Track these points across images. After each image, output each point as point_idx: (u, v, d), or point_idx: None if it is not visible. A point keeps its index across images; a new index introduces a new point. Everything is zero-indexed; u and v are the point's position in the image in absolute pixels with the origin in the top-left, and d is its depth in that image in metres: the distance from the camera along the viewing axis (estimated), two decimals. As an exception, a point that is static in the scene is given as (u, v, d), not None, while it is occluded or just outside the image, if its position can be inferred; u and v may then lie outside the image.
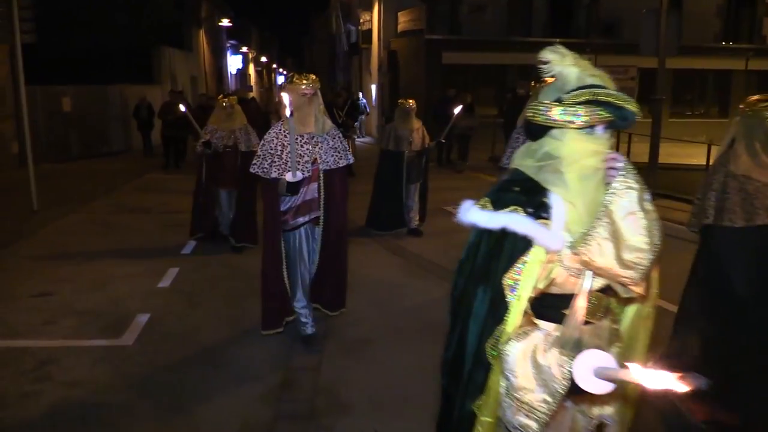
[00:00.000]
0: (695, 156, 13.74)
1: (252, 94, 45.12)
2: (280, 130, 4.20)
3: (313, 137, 4.22)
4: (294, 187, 4.10)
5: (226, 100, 7.02)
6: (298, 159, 4.10)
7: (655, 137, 9.81)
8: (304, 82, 4.10)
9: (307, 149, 4.19)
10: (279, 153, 4.15)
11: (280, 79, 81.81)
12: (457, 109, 7.83)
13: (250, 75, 52.49)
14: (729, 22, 24.17)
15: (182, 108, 7.47)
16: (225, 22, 32.40)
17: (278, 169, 4.14)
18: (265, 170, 4.20)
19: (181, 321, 5.07)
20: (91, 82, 17.57)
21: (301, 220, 4.34)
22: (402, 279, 6.27)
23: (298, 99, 4.06)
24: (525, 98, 13.04)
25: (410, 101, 7.89)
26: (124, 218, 9.15)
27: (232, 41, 41.46)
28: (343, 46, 31.98)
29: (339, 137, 4.42)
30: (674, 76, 22.09)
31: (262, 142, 4.28)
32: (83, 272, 6.34)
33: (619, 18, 22.44)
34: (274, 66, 73.07)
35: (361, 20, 26.65)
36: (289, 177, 4.06)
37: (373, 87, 25.99)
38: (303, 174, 4.13)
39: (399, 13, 23.07)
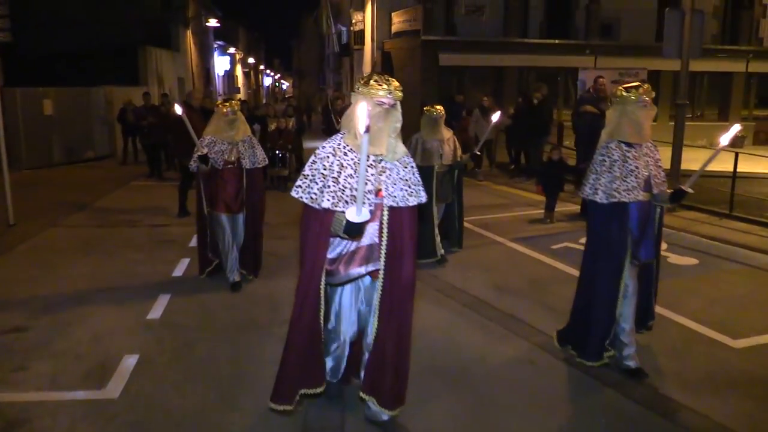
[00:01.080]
0: (694, 161, 13.21)
1: (239, 96, 44.51)
2: (340, 144, 3.24)
3: (381, 161, 3.26)
4: (357, 228, 3.02)
5: (227, 105, 5.78)
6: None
7: (677, 143, 9.25)
8: (384, 87, 3.17)
9: (371, 176, 3.23)
10: (336, 176, 3.17)
11: (267, 81, 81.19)
12: (496, 116, 7.06)
13: (237, 76, 51.64)
14: (726, 24, 23.81)
15: (178, 110, 6.12)
16: (213, 22, 31.57)
17: (333, 198, 3.14)
18: (313, 197, 3.16)
19: (175, 365, 4.39)
20: (73, 83, 16.77)
21: (355, 271, 3.34)
22: (441, 323, 5.42)
23: (372, 110, 3.10)
24: (545, 103, 12.50)
25: (438, 107, 6.85)
26: (109, 233, 8.43)
27: (219, 42, 40.63)
28: (333, 47, 31.25)
29: (412, 167, 3.42)
30: (672, 79, 21.70)
31: (313, 158, 3.25)
32: (63, 300, 5.64)
33: (618, 19, 22.01)
34: (262, 67, 72.23)
35: (354, 21, 26.02)
36: (351, 213, 2.97)
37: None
38: (370, 209, 3.14)
39: (393, 14, 22.46)
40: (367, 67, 25.14)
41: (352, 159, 3.21)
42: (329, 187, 3.15)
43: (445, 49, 19.88)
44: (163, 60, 23.47)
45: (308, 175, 3.21)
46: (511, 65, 20.65)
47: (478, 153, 7.40)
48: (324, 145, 3.28)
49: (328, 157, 3.21)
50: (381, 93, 3.16)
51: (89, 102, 16.83)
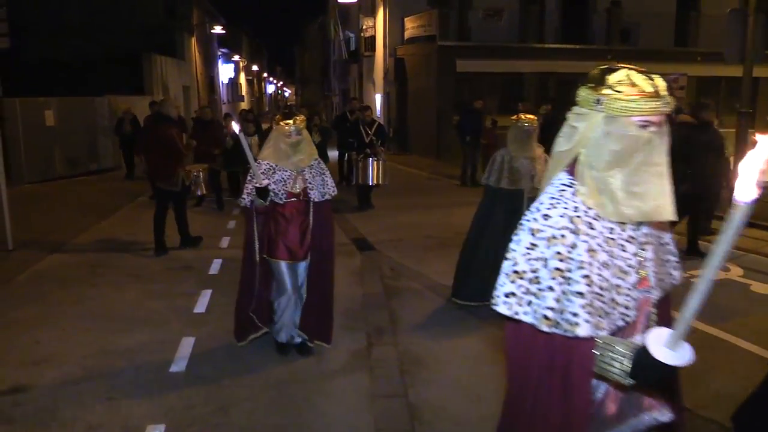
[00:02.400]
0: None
1: (243, 105, 43.83)
2: (578, 208, 1.73)
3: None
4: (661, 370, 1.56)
5: (290, 122, 4.28)
6: None
7: (740, 154, 8.46)
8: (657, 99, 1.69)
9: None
10: (588, 271, 1.67)
11: (270, 88, 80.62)
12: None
13: (241, 84, 51.01)
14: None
15: (235, 127, 4.53)
16: (217, 29, 30.89)
17: (590, 313, 1.64)
18: (548, 315, 1.66)
19: (209, 437, 3.59)
20: (76, 93, 16.02)
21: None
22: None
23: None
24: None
25: (529, 117, 5.56)
26: (117, 259, 7.62)
27: (223, 49, 40.00)
28: (342, 54, 30.54)
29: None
30: (696, 85, 20.96)
31: (526, 235, 1.73)
32: (70, 349, 4.84)
33: (636, 23, 21.26)
34: (265, 75, 71.66)
35: (364, 26, 25.31)
36: (659, 344, 1.52)
37: (378, 97, 24.61)
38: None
39: (406, 19, 21.76)
40: (378, 74, 24.43)
41: (602, 233, 1.71)
42: (581, 294, 1.63)
43: (461, 55, 19.13)
44: (168, 68, 22.75)
45: (523, 272, 1.70)
46: (530, 71, 19.89)
47: None
48: (543, 207, 1.73)
49: (563, 234, 1.67)
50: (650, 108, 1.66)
51: (93, 112, 16.08)
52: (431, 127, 19.63)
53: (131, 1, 23.87)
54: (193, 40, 28.97)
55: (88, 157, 15.88)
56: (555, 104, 12.68)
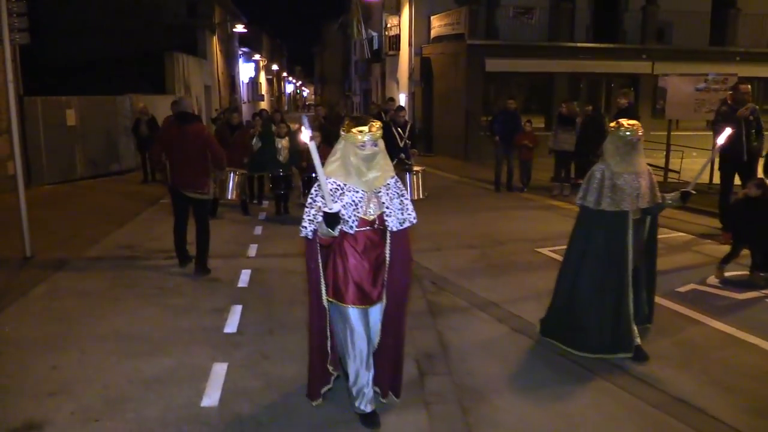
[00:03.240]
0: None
1: (263, 105, 43.46)
2: None
3: None
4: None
5: (363, 129, 3.45)
6: None
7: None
8: None
9: None
10: None
11: (289, 88, 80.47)
12: (723, 137, 4.80)
13: (260, 84, 50.75)
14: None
15: (305, 137, 3.13)
16: (239, 28, 30.53)
17: None
18: None
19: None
20: (97, 92, 15.66)
21: None
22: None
23: None
24: (631, 112, 11.05)
25: (632, 123, 4.53)
26: (140, 269, 7.16)
27: (243, 48, 39.68)
28: (364, 53, 30.05)
29: None
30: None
31: None
32: (88, 375, 4.36)
33: (669, 22, 20.49)
34: (284, 74, 71.46)
35: (388, 25, 24.78)
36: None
37: (402, 96, 24.06)
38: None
39: (432, 17, 21.22)
40: (403, 74, 23.91)
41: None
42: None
43: (490, 54, 18.52)
44: (190, 67, 22.40)
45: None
46: (561, 71, 19.23)
47: (693, 192, 4.72)
48: None
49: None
50: None
51: (114, 112, 15.72)
52: (458, 128, 19.06)
53: (153, 0, 23.62)
54: (215, 38, 28.63)
55: (109, 157, 15.52)
56: (595, 105, 11.99)
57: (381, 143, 3.52)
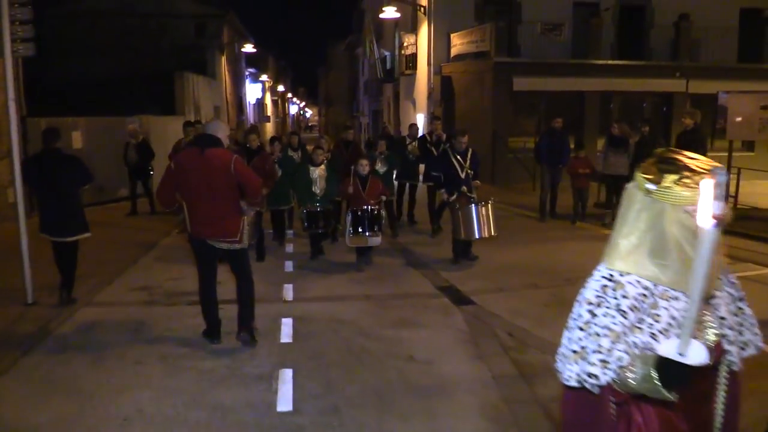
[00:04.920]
0: None
1: (269, 126, 42.48)
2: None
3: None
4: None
5: (696, 175, 1.79)
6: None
7: None
8: None
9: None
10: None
11: (293, 109, 79.85)
12: None
13: (266, 105, 50.01)
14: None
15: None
16: (248, 48, 29.75)
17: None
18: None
19: None
20: (105, 114, 14.71)
21: None
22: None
23: None
24: (698, 133, 10.07)
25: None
26: (162, 319, 6.07)
27: (250, 69, 38.97)
28: (377, 73, 29.21)
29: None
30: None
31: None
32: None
33: (697, 39, 19.58)
34: (289, 95, 70.84)
35: (405, 44, 23.92)
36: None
37: (419, 118, 23.13)
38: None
39: (453, 35, 20.31)
40: (420, 93, 22.98)
41: None
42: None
43: (518, 73, 17.59)
44: (200, 87, 21.52)
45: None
46: (592, 89, 18.29)
47: None
48: None
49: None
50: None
51: (123, 133, 14.68)
52: (484, 150, 17.99)
53: (161, 20, 22.87)
54: (224, 58, 27.85)
55: (117, 182, 14.48)
56: (651, 125, 10.96)
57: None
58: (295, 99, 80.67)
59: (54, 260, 6.53)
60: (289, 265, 8.28)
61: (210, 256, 5.20)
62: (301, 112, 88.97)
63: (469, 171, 8.28)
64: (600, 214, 11.37)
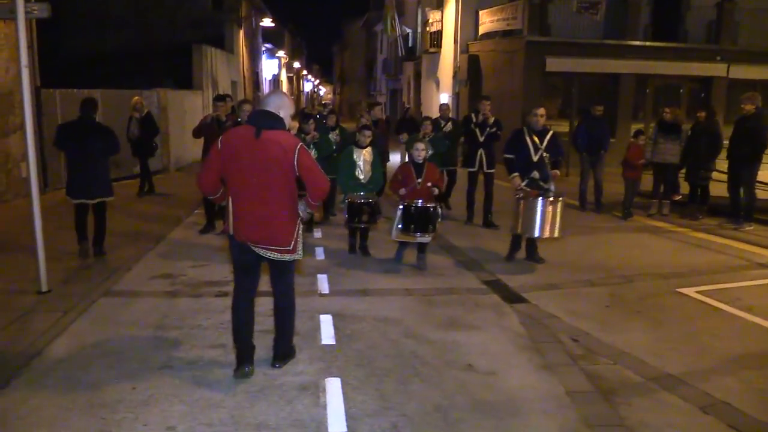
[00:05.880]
0: None
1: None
2: None
3: None
4: None
5: None
6: None
7: None
8: None
9: None
10: None
11: (308, 86, 78.80)
12: None
13: (281, 81, 49.22)
14: None
15: None
16: (267, 22, 28.96)
17: None
18: None
19: None
20: (119, 87, 14.07)
21: None
22: None
23: None
24: (757, 117, 9.31)
25: None
26: (189, 315, 5.50)
27: (267, 45, 38.16)
28: (399, 51, 28.40)
29: None
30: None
31: None
32: None
33: (742, 22, 18.64)
34: (304, 73, 69.93)
35: (430, 20, 23.09)
36: None
37: (443, 98, 22.38)
38: None
39: (482, 12, 19.56)
40: (444, 72, 22.21)
41: None
42: None
43: (551, 52, 16.80)
44: (217, 61, 20.82)
45: None
46: (628, 72, 17.46)
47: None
48: None
49: None
50: None
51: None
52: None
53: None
54: (241, 32, 27.07)
55: (133, 158, 13.90)
56: (710, 111, 10.19)
57: None
58: (309, 76, 79.73)
59: (75, 224, 6.91)
60: (319, 252, 7.70)
61: (252, 265, 4.17)
62: (315, 89, 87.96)
63: (544, 155, 7.03)
64: (645, 204, 10.70)
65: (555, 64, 16.71)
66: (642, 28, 18.11)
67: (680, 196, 10.27)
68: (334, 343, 4.86)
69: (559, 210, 6.76)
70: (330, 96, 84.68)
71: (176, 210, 10.17)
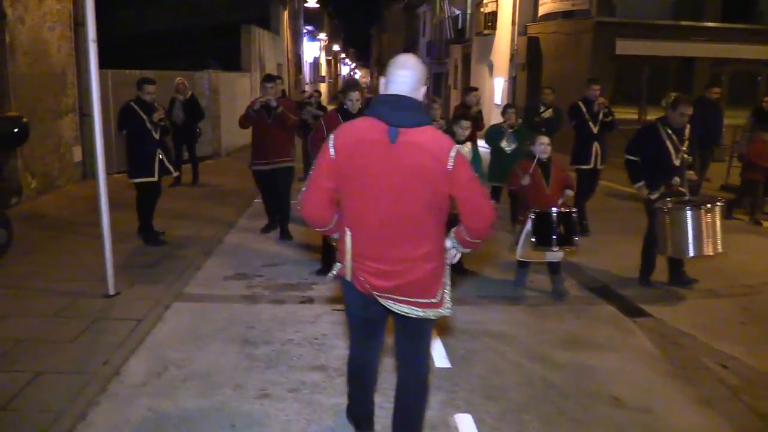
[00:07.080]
0: None
1: (323, 87, 41.02)
2: None
3: None
4: None
5: None
6: None
7: None
8: None
9: None
10: None
11: (345, 70, 78.04)
12: None
13: (321, 64, 48.58)
14: None
15: None
16: (311, 2, 28.26)
17: None
18: None
19: None
20: (163, 68, 13.49)
21: None
22: None
23: None
24: None
25: None
26: (274, 325, 4.87)
27: (308, 27, 37.52)
28: (447, 33, 27.43)
29: None
30: None
31: None
32: None
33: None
34: (342, 56, 69.20)
35: (485, 1, 22.10)
36: None
37: (498, 82, 21.43)
38: None
39: (542, -8, 18.48)
40: (499, 56, 21.23)
41: None
42: None
43: (621, 34, 15.72)
44: (265, 42, 20.22)
45: None
46: (704, 56, 16.31)
47: None
48: None
49: None
50: None
51: (194, 90, 13.55)
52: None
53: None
54: (286, 14, 26.45)
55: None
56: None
57: None
58: (347, 60, 79.03)
59: (136, 206, 6.91)
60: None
61: (378, 323, 2.96)
62: (352, 73, 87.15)
63: (685, 156, 5.58)
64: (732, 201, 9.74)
65: (626, 46, 15.63)
66: (711, 9, 16.90)
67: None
68: (450, 366, 4.17)
69: (717, 218, 5.33)
70: (365, 80, 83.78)
71: (230, 204, 9.59)
